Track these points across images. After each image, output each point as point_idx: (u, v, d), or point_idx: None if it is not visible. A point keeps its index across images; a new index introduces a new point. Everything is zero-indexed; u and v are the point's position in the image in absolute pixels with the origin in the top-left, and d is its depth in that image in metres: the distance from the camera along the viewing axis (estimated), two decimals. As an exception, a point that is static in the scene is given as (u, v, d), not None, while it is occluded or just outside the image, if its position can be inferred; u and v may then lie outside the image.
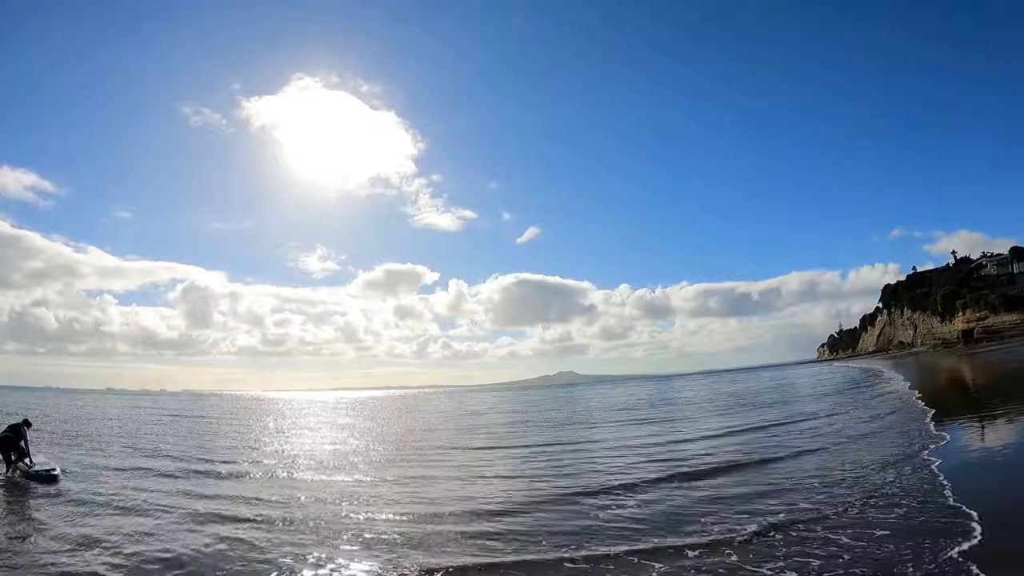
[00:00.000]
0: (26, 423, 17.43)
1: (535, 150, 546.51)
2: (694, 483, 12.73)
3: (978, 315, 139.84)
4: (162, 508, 11.21)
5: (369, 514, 10.67)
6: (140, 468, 16.41)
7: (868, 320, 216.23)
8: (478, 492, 12.65)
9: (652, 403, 48.98)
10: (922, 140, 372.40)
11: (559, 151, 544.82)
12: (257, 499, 12.15)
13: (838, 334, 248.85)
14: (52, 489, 13.34)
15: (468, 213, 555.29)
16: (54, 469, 15.92)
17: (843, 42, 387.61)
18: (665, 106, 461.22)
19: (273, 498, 12.28)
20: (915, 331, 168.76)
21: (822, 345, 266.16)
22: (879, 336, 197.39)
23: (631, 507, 10.71)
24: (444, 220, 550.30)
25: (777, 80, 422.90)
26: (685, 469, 14.23)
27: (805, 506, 10.05)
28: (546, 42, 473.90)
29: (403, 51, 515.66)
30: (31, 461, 16.45)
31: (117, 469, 16.47)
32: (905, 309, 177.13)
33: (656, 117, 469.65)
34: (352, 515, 10.60)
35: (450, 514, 10.47)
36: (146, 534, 9.53)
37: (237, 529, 9.74)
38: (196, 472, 15.94)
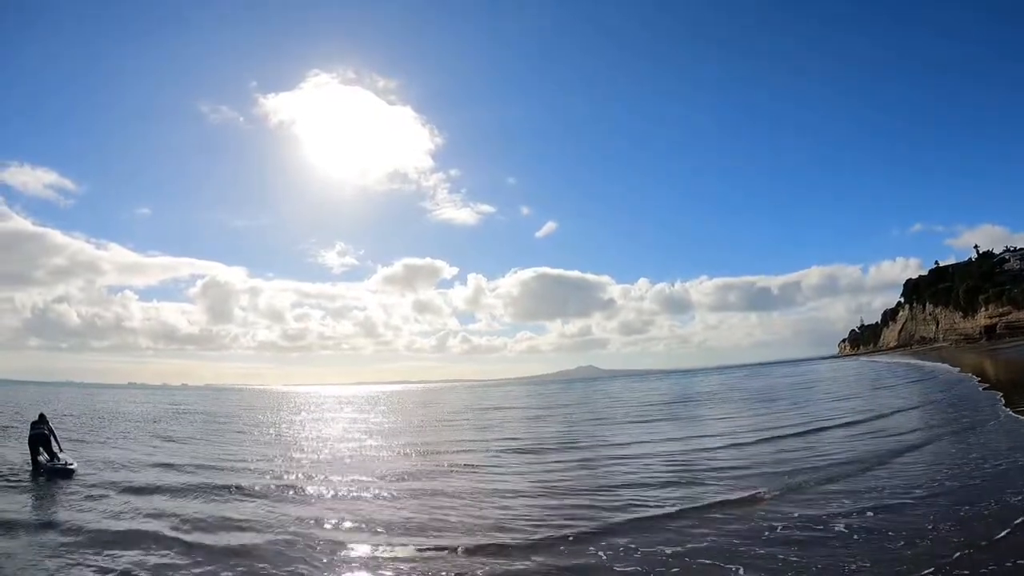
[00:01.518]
0: (42, 417, 18.77)
1: (553, 145, 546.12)
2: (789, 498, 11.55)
3: (1001, 310, 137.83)
4: (160, 537, 10.14)
5: (373, 546, 9.49)
6: (149, 484, 15.30)
7: (890, 315, 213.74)
8: (495, 514, 11.48)
9: (678, 400, 47.87)
10: (943, 134, 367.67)
11: (577, 146, 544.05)
12: (255, 521, 11.20)
13: (859, 329, 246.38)
14: (50, 518, 12.34)
15: (486, 207, 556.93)
16: (71, 464, 17.14)
17: (861, 37, 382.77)
18: (685, 102, 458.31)
19: (269, 520, 11.27)
20: (937, 326, 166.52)
21: (843, 340, 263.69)
22: (901, 331, 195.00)
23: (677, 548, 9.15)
24: (462, 215, 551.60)
25: (798, 76, 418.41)
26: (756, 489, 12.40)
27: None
28: (564, 37, 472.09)
29: (418, 46, 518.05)
30: (59, 450, 17.90)
31: (126, 483, 15.39)
32: (927, 304, 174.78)
33: (676, 112, 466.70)
34: (354, 547, 9.45)
35: (464, 549, 9.20)
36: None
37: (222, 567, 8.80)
38: (201, 486, 14.82)
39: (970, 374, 43.76)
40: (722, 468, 15.22)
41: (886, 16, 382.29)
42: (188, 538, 10.01)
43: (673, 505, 11.51)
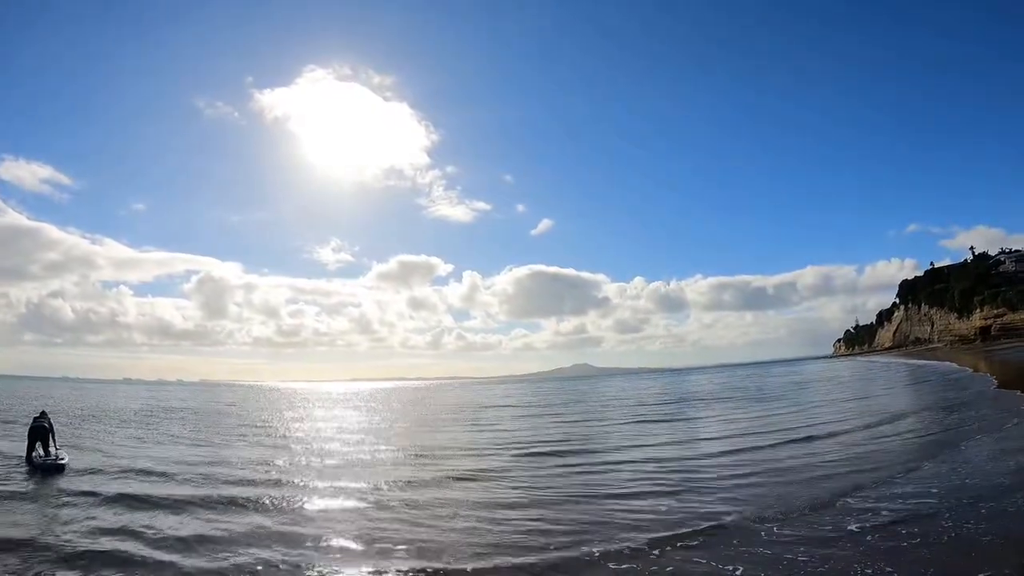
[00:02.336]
0: (43, 413, 19.50)
1: (550, 143, 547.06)
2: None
3: (996, 312, 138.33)
4: (132, 557, 9.44)
5: (367, 570, 8.77)
6: (129, 493, 14.46)
7: (885, 316, 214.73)
8: (493, 528, 10.87)
9: (675, 400, 47.43)
10: (940, 135, 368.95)
11: (574, 144, 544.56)
12: (238, 537, 10.53)
13: (854, 329, 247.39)
14: (20, 532, 11.82)
15: (482, 205, 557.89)
16: (63, 459, 17.79)
17: (859, 38, 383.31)
18: (681, 102, 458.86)
19: (253, 536, 10.59)
20: (932, 327, 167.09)
21: (838, 340, 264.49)
22: (896, 332, 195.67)
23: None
24: (458, 212, 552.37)
25: (794, 77, 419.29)
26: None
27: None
28: (561, 35, 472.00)
29: (415, 42, 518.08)
30: (55, 450, 18.46)
31: (105, 492, 14.51)
32: (922, 305, 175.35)
33: (672, 113, 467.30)
34: (346, 571, 8.77)
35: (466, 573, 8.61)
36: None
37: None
38: (184, 496, 14.06)
39: (985, 373, 43.76)
40: (723, 476, 14.84)
41: (885, 16, 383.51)
42: (163, 557, 9.41)
43: (671, 513, 11.25)
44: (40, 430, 18.42)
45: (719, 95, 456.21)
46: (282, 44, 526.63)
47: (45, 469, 17.10)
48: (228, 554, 9.52)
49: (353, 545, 10.04)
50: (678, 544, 9.21)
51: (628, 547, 9.27)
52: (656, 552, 9.00)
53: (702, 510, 11.41)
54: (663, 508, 11.78)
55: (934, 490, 11.37)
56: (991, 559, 7.58)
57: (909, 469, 13.77)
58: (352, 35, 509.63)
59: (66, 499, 13.80)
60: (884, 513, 10.00)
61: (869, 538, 8.76)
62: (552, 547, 9.53)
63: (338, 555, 9.54)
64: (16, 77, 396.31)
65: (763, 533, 9.44)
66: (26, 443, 18.52)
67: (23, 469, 17.43)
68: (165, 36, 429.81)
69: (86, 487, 15.11)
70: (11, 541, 10.41)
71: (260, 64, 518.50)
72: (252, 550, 9.68)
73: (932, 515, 9.69)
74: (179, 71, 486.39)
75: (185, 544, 10.14)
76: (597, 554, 8.92)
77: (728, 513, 10.94)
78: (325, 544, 10.10)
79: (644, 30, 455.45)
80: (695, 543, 9.26)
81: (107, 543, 10.22)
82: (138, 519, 11.86)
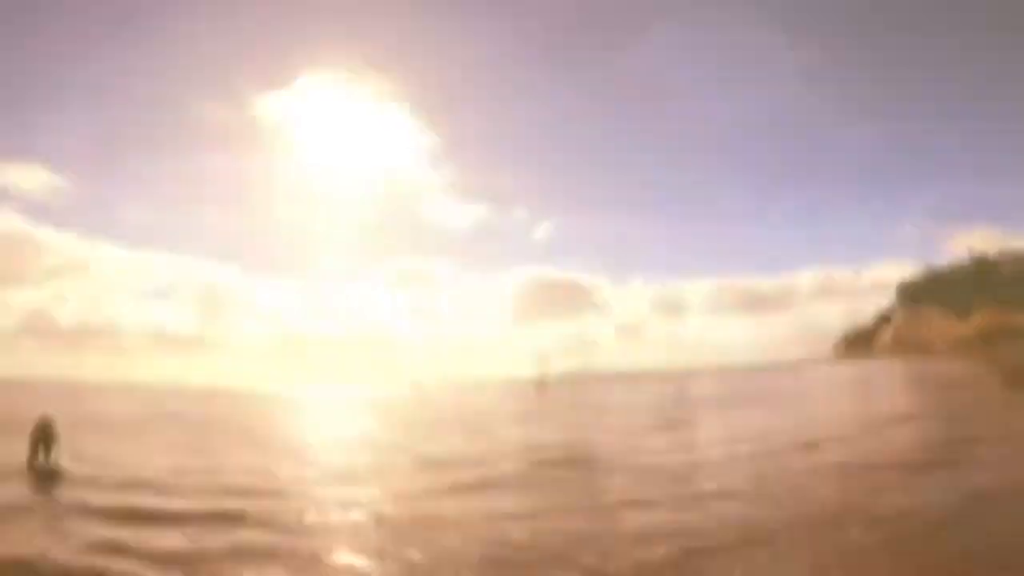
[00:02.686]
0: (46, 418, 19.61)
1: (550, 145, 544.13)
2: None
3: (995, 313, 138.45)
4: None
5: None
6: (125, 506, 14.11)
7: (884, 318, 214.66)
8: (499, 540, 10.57)
9: (677, 405, 46.35)
10: (938, 134, 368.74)
11: (575, 147, 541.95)
12: (232, 552, 10.17)
13: (853, 332, 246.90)
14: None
15: (482, 208, 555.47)
16: (63, 466, 18.39)
17: (857, 33, 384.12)
18: (677, 100, 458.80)
19: (250, 550, 10.25)
20: (931, 329, 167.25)
21: (837, 343, 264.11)
22: (895, 334, 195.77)
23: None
24: (457, 215, 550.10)
25: (791, 77, 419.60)
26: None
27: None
28: (561, 34, 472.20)
29: (414, 44, 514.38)
30: (56, 453, 18.96)
31: (99, 504, 14.17)
32: (922, 307, 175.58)
33: (668, 111, 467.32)
34: None
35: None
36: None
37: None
38: (182, 510, 13.67)
39: (987, 374, 43.76)
40: (727, 481, 14.68)
41: (883, 15, 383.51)
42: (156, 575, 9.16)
43: (676, 520, 11.11)
44: (43, 436, 18.82)
45: (715, 96, 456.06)
46: (279, 45, 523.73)
47: (45, 476, 17.43)
48: (225, 570, 9.33)
49: (353, 560, 9.84)
50: (682, 549, 9.13)
51: (632, 555, 9.14)
52: (659, 555, 8.93)
53: (706, 515, 11.35)
54: (669, 515, 11.64)
55: (940, 493, 11.31)
56: (997, 561, 7.49)
57: (914, 472, 13.70)
58: (351, 37, 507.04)
59: (61, 511, 13.59)
60: (889, 516, 9.94)
61: (872, 541, 8.68)
62: (556, 558, 9.36)
63: (337, 571, 9.38)
64: (12, 78, 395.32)
65: (766, 536, 9.40)
66: (28, 449, 18.71)
67: (22, 476, 17.51)
68: (162, 37, 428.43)
69: (82, 498, 14.88)
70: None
71: (257, 66, 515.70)
72: (250, 566, 9.49)
73: (939, 518, 9.65)
74: (176, 72, 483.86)
75: (180, 559, 9.91)
76: (600, 564, 8.80)
77: (731, 517, 10.90)
78: (324, 559, 9.90)
79: (640, 30, 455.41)
80: (697, 547, 9.19)
81: (100, 560, 9.97)
82: (134, 533, 11.64)
